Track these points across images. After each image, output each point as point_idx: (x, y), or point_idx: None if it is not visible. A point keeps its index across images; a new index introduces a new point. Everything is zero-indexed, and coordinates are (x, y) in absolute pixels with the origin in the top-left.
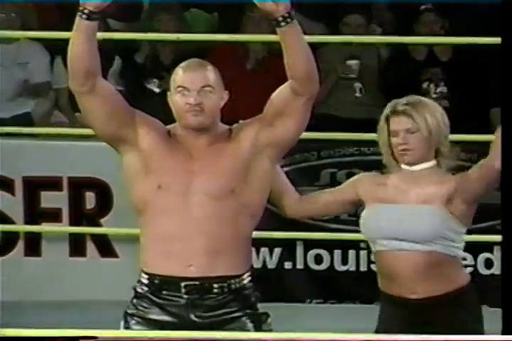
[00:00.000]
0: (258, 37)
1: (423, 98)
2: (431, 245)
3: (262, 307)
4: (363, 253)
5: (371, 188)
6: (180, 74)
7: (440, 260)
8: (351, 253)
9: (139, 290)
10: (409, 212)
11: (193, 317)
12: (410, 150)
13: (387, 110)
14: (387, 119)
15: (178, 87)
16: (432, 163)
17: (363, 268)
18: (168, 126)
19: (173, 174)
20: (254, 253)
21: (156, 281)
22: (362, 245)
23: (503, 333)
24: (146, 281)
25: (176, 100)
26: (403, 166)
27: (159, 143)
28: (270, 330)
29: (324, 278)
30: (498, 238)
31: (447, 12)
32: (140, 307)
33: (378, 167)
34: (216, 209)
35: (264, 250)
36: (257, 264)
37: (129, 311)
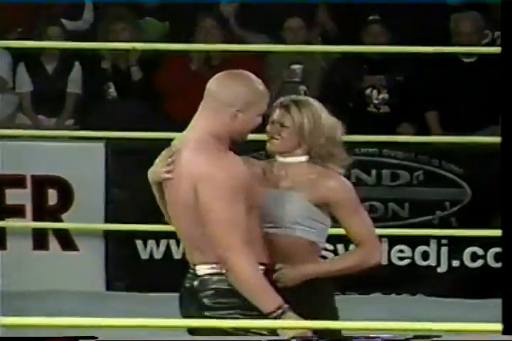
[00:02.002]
0: (209, 46)
1: (311, 99)
2: (293, 230)
3: None
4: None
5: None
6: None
7: (299, 245)
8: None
9: None
10: (273, 198)
11: None
12: (276, 139)
13: (276, 102)
14: (274, 110)
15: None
16: (303, 158)
17: None
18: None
19: None
20: None
21: None
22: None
23: (503, 333)
24: None
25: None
26: (277, 157)
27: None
28: None
29: None
30: (432, 232)
31: (392, 24)
32: None
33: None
34: None
35: None
36: None
37: None
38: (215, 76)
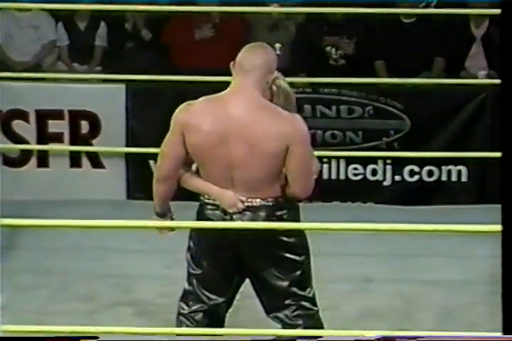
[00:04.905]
0: (211, 8)
1: None
2: None
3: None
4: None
5: None
6: None
7: None
8: None
9: None
10: None
11: None
12: None
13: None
14: None
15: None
16: None
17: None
18: None
19: None
20: None
21: None
22: None
23: (504, 333)
24: None
25: None
26: None
27: None
28: None
29: None
30: (382, 154)
31: None
32: None
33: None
34: None
35: None
36: None
37: None
38: (248, 49)
